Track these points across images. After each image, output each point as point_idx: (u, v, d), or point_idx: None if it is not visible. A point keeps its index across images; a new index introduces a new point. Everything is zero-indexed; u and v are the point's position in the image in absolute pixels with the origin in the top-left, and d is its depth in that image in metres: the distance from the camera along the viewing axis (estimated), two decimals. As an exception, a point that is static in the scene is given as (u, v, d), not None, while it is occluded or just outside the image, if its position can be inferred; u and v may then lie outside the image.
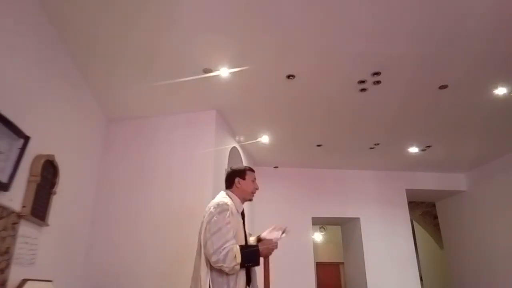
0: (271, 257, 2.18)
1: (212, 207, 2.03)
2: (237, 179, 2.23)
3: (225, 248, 1.87)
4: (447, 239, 6.31)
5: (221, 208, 2.00)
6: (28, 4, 2.25)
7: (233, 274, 1.93)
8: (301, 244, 5.24)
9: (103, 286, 3.06)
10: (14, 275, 2.09)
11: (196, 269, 1.99)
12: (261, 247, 2.05)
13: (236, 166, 2.37)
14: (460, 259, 5.89)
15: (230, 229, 1.95)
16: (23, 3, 2.21)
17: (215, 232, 1.92)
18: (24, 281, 2.16)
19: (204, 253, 1.93)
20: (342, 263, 7.62)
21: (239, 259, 1.88)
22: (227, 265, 1.86)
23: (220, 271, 1.91)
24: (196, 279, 1.95)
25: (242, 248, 1.96)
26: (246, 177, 2.26)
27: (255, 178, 2.31)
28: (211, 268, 1.92)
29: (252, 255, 1.98)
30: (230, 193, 2.22)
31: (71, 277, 2.89)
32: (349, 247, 6.00)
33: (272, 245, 2.10)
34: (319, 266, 8.28)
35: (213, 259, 1.87)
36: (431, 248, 7.97)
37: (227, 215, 1.98)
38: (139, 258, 3.15)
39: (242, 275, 2.00)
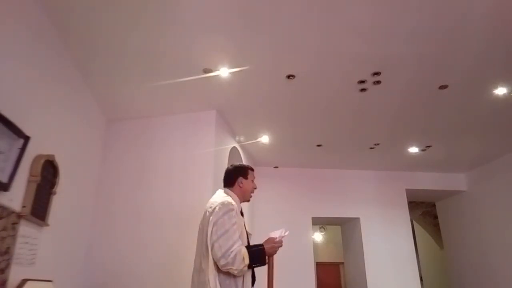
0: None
1: (217, 207, 1.96)
2: (240, 178, 2.19)
3: (233, 250, 1.84)
4: (447, 239, 6.31)
5: (227, 208, 1.95)
6: (28, 4, 2.25)
7: (240, 276, 1.90)
8: (301, 244, 5.24)
9: (103, 286, 3.06)
10: (14, 275, 2.10)
11: (199, 271, 1.94)
12: (266, 246, 2.02)
13: (237, 163, 2.31)
14: (460, 259, 5.89)
15: (236, 230, 1.92)
16: (23, 3, 2.21)
17: (222, 234, 1.87)
18: (24, 281, 2.16)
19: (212, 256, 1.88)
20: (342, 263, 7.62)
21: (247, 261, 1.86)
22: (236, 268, 1.83)
23: (227, 273, 1.88)
24: (203, 282, 1.88)
25: (248, 248, 1.93)
26: (248, 176, 2.23)
27: (254, 178, 2.29)
28: (218, 270, 1.88)
29: (258, 255, 1.95)
30: (230, 192, 2.17)
31: (71, 277, 2.89)
32: (349, 247, 6.00)
33: (276, 243, 2.05)
34: (319, 266, 8.28)
35: (222, 262, 1.83)
36: (431, 248, 7.98)
37: (233, 215, 1.94)
38: (139, 258, 3.15)
39: (249, 275, 1.99)
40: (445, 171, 5.79)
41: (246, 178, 2.20)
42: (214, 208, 1.97)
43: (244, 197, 2.21)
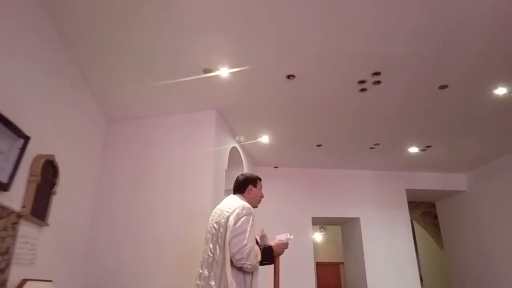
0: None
1: (238, 209, 2.11)
2: (250, 186, 2.39)
3: (248, 247, 1.99)
4: (447, 239, 6.31)
5: (247, 212, 2.12)
6: (29, 5, 2.25)
7: (249, 272, 2.05)
8: (301, 244, 5.24)
9: (103, 286, 3.06)
10: (14, 275, 2.10)
11: (212, 264, 2.06)
12: (274, 245, 2.24)
13: (248, 173, 2.51)
14: (460, 259, 5.89)
15: (252, 232, 2.09)
16: (24, 4, 2.21)
17: (240, 233, 2.03)
18: (24, 281, 2.16)
19: (228, 251, 2.03)
20: (342, 263, 7.62)
21: (259, 258, 2.06)
22: (250, 263, 1.97)
23: (239, 268, 2.02)
24: (219, 275, 2.02)
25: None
26: (257, 185, 2.43)
27: (261, 187, 2.48)
28: (232, 265, 2.02)
29: (267, 253, 2.17)
30: (242, 197, 2.33)
31: (71, 277, 2.89)
32: (349, 247, 6.00)
33: (283, 244, 2.27)
34: (319, 266, 8.28)
35: (237, 257, 1.97)
36: (431, 248, 7.98)
37: (252, 219, 2.11)
38: (139, 258, 3.15)
39: (257, 273, 2.13)
40: (445, 171, 5.79)
41: (255, 186, 2.41)
42: (235, 210, 2.12)
43: (253, 204, 2.36)
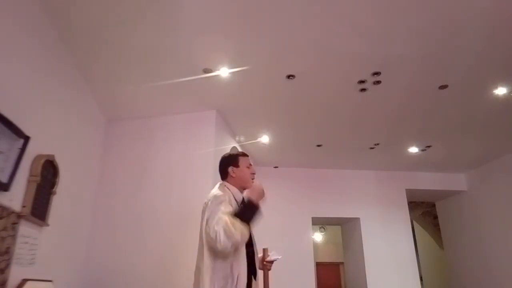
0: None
1: (209, 202, 1.91)
2: (230, 168, 2.10)
3: (218, 232, 1.71)
4: (447, 239, 6.31)
5: (218, 201, 1.88)
6: (29, 5, 2.25)
7: (238, 255, 1.82)
8: (301, 244, 5.24)
9: (103, 286, 3.06)
10: (14, 275, 2.10)
11: (199, 270, 1.90)
12: (250, 195, 1.91)
13: (227, 153, 2.21)
14: (460, 259, 5.89)
15: (223, 215, 1.81)
16: (24, 4, 2.21)
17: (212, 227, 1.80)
18: (24, 281, 2.16)
19: (211, 247, 1.80)
20: (342, 263, 7.62)
21: (239, 225, 1.75)
22: (234, 241, 1.71)
23: (223, 271, 1.81)
24: (202, 283, 1.82)
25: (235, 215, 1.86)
26: (240, 163, 2.11)
27: (250, 164, 2.16)
28: (213, 271, 1.81)
29: (246, 209, 1.86)
30: (226, 183, 2.09)
31: (71, 277, 2.89)
32: (349, 247, 6.00)
33: (259, 187, 1.94)
34: (319, 266, 8.27)
35: (219, 248, 1.72)
36: (431, 248, 7.98)
37: (224, 205, 1.87)
38: (139, 258, 3.14)
39: (244, 271, 1.88)
40: (445, 171, 5.79)
41: (237, 166, 2.10)
42: (207, 203, 1.92)
43: (242, 186, 2.09)
